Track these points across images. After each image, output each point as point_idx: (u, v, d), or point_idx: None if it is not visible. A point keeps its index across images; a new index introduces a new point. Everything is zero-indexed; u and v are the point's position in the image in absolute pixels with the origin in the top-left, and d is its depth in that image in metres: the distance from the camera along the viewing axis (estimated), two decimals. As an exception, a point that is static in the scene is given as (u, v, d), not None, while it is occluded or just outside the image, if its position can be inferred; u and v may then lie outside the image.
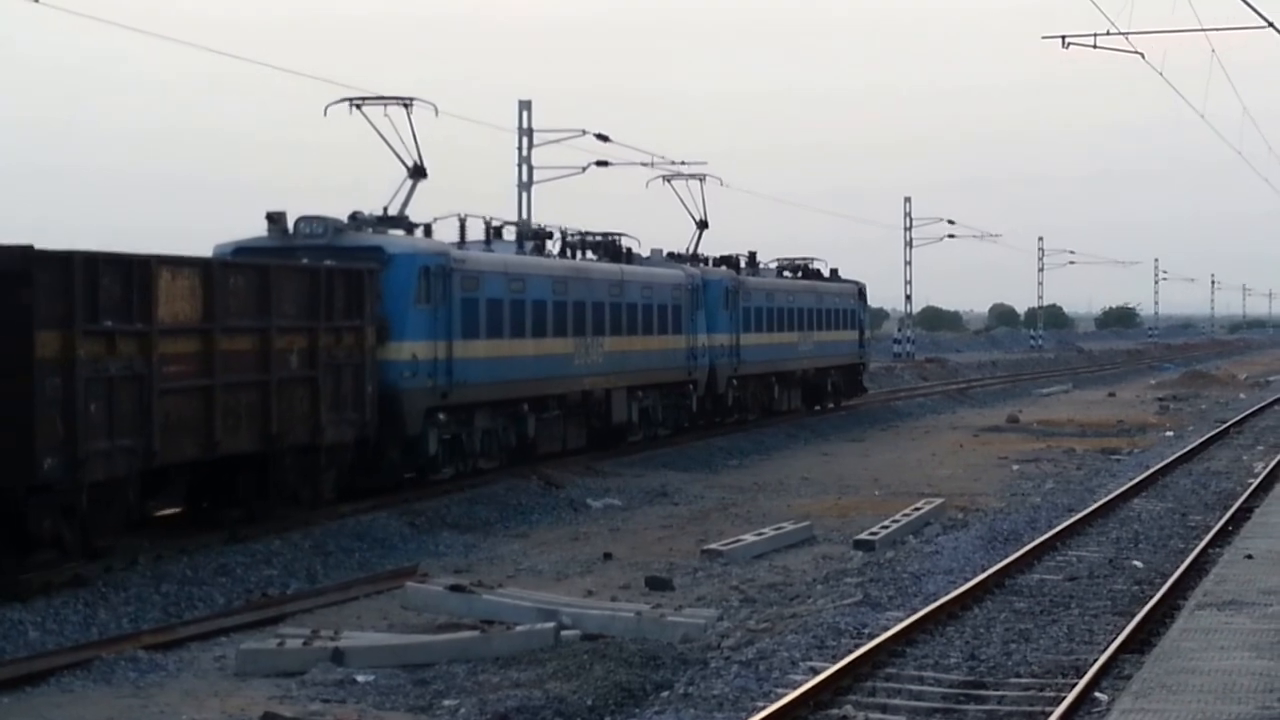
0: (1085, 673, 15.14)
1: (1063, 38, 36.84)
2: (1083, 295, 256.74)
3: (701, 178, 48.08)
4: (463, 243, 32.18)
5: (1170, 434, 48.09)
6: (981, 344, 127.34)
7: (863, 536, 24.98)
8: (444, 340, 29.33)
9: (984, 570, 21.00)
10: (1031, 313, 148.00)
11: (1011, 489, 33.27)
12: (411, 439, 28.44)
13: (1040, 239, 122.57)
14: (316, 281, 25.24)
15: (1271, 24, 30.68)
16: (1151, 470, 34.11)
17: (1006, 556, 22.20)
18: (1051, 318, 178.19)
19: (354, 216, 30.08)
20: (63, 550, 20.14)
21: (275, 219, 28.94)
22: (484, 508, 28.18)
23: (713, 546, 24.28)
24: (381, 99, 31.49)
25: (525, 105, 48.90)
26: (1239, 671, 13.01)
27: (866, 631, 17.41)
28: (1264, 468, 34.06)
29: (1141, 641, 16.38)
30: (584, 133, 48.07)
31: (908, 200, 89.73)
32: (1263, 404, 61.82)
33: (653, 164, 49.11)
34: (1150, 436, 47.67)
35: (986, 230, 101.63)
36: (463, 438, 30.57)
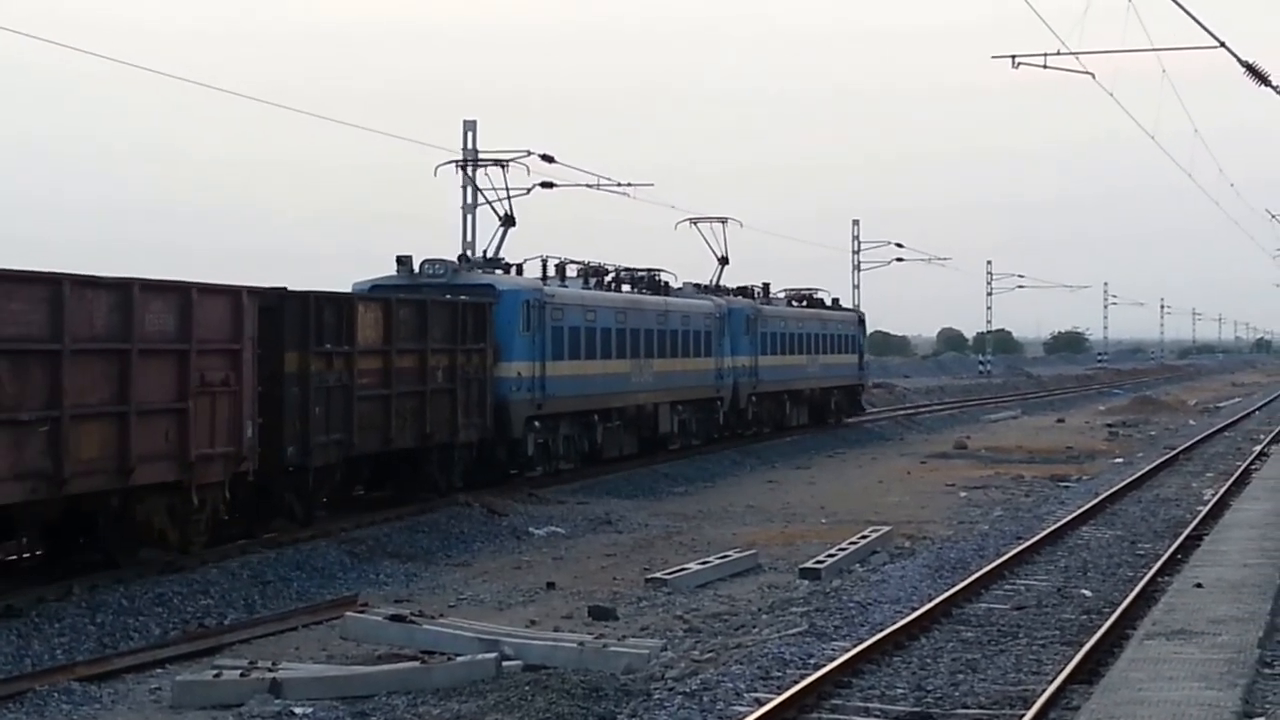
0: (1033, 704, 14.94)
1: (1013, 58, 36.74)
2: (1032, 319, 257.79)
3: (724, 220, 54.29)
4: (544, 279, 38.24)
5: (1119, 461, 48.13)
6: (929, 369, 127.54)
7: (808, 565, 24.77)
8: (540, 361, 35.58)
9: (931, 599, 20.81)
10: (980, 337, 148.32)
11: (959, 517, 33.15)
12: (515, 441, 34.67)
13: (989, 262, 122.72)
14: (456, 313, 31.72)
15: (1223, 44, 30.66)
16: (1100, 497, 34.04)
17: (954, 585, 22.02)
18: (1000, 342, 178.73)
19: (463, 258, 36.91)
20: (293, 519, 26.59)
21: (403, 261, 35.18)
22: (425, 536, 27.90)
23: (657, 575, 24.05)
24: (482, 162, 40.31)
25: (470, 125, 48.65)
26: (1188, 702, 12.84)
27: (812, 662, 17.19)
28: (1213, 495, 34.04)
29: (1090, 672, 16.22)
30: (529, 153, 47.85)
31: (855, 223, 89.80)
32: (1212, 430, 62.01)
33: (599, 185, 48.96)
34: (1099, 463, 47.70)
35: (935, 253, 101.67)
36: (549, 442, 36.73)
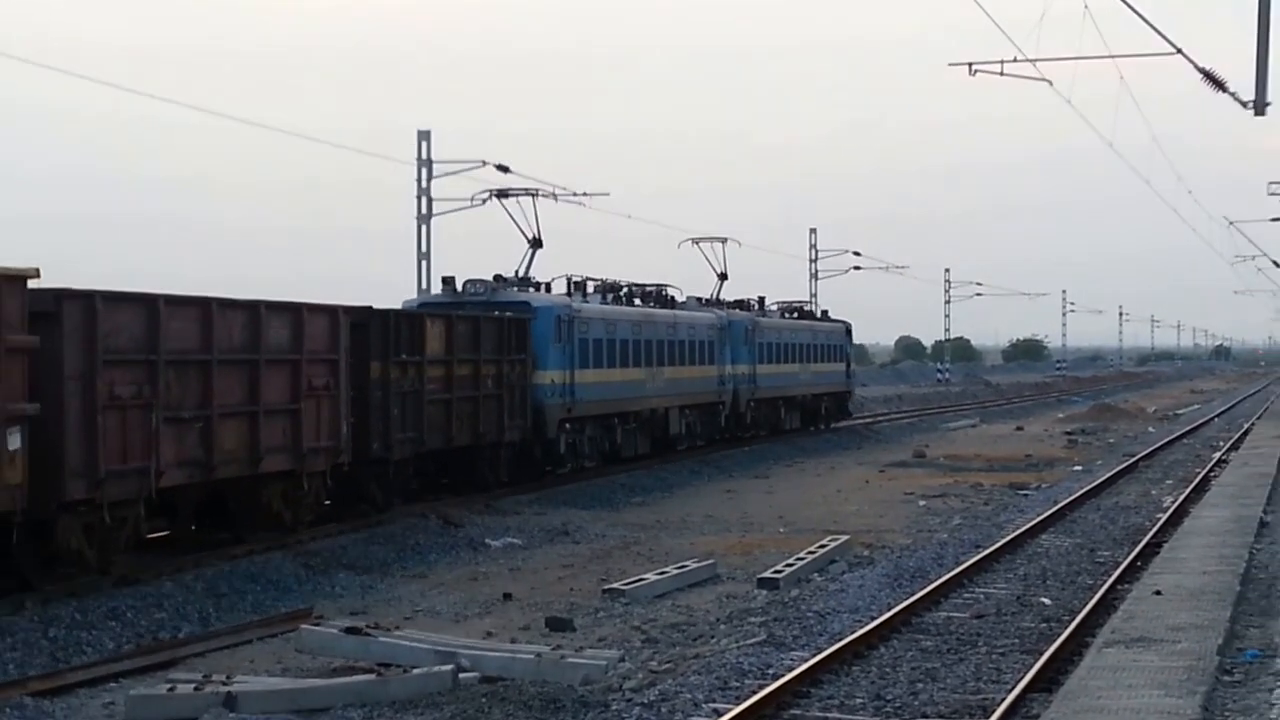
0: (993, 712, 14.89)
1: (969, 65, 36.75)
2: (990, 327, 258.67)
3: (723, 240, 58.36)
4: (569, 294, 42.38)
5: (1078, 468, 48.20)
6: (888, 377, 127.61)
7: (767, 575, 24.68)
8: (570, 369, 39.47)
9: (890, 608, 20.74)
10: (938, 345, 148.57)
11: (918, 525, 33.09)
12: (550, 442, 38.61)
13: (947, 270, 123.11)
14: (502, 328, 35.85)
15: (1180, 50, 30.70)
16: (1060, 505, 34.04)
17: (913, 594, 21.96)
18: (959, 350, 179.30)
19: (499, 278, 40.39)
20: (375, 506, 30.50)
21: (448, 281, 39.87)
22: (381, 548, 27.71)
23: (614, 586, 23.92)
24: (513, 192, 44.22)
25: (424, 135, 48.55)
26: (1147, 710, 12.78)
27: (770, 672, 17.10)
28: (1173, 502, 34.07)
29: (1049, 680, 16.17)
30: (484, 163, 47.85)
31: (813, 232, 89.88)
32: (1171, 437, 62.18)
33: (555, 195, 48.88)
34: (1058, 471, 47.75)
35: (893, 262, 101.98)
36: (577, 442, 40.65)
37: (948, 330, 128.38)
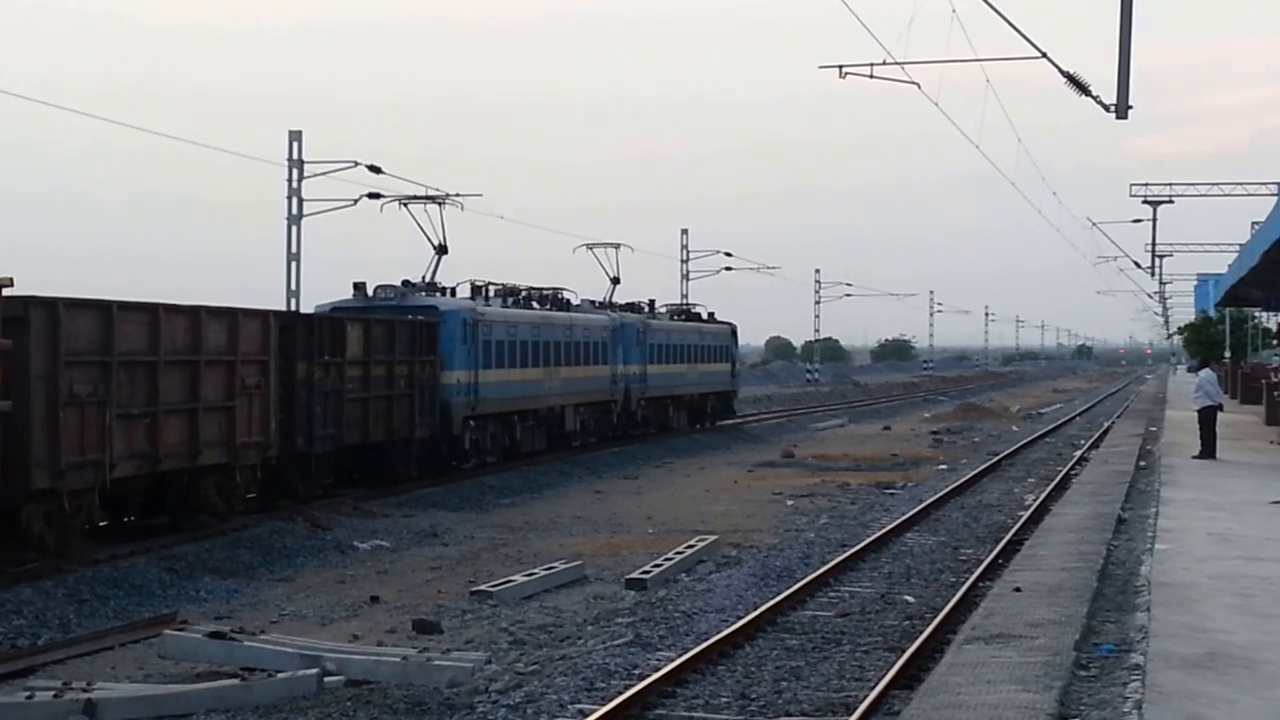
0: (855, 710, 15.02)
1: (839, 67, 36.94)
2: (859, 328, 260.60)
3: (616, 246, 61.57)
4: (473, 298, 44.43)
5: (944, 467, 48.66)
6: (758, 377, 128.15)
7: (635, 575, 24.73)
8: (474, 370, 41.59)
9: (756, 608, 20.87)
10: (808, 346, 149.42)
11: (785, 525, 33.26)
12: (455, 438, 40.79)
13: (817, 271, 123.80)
14: (414, 330, 38.03)
15: (1045, 54, 31.06)
16: (925, 504, 34.39)
17: (779, 593, 22.12)
18: (828, 351, 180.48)
19: (406, 283, 42.56)
20: (296, 499, 32.18)
21: (359, 286, 41.76)
22: (247, 551, 27.49)
23: (482, 588, 23.87)
24: (420, 199, 45.77)
25: (296, 136, 48.18)
26: (1005, 705, 12.93)
27: (637, 672, 17.15)
28: (1034, 500, 34.51)
29: (911, 677, 16.33)
30: (355, 164, 47.53)
31: (685, 232, 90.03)
32: (1034, 436, 62.96)
33: (427, 196, 48.66)
34: (924, 470, 48.18)
35: (764, 262, 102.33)
36: (480, 439, 42.81)
37: (817, 331, 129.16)
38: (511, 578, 24.77)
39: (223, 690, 16.74)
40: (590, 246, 61.56)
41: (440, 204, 45.86)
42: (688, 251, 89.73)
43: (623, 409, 56.17)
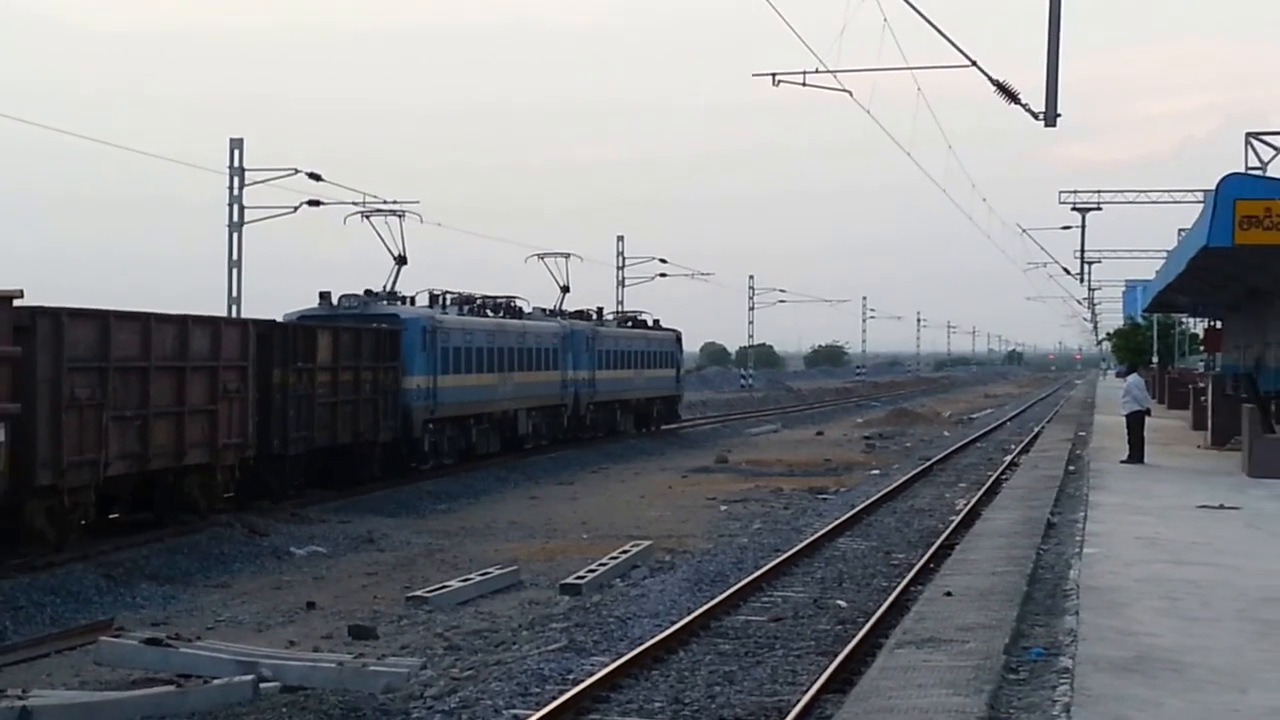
0: (787, 714, 15.19)
1: (773, 75, 37.21)
2: (793, 334, 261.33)
3: (566, 255, 64.02)
4: (431, 306, 46.57)
5: (876, 472, 48.93)
6: (693, 383, 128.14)
7: (569, 581, 24.85)
8: (433, 375, 43.50)
9: (690, 613, 21.02)
10: (742, 351, 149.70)
11: (719, 530, 33.43)
12: (415, 440, 42.79)
13: (751, 277, 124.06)
14: (379, 338, 40.08)
15: (974, 63, 31.34)
16: (857, 509, 34.63)
17: (713, 598, 22.27)
18: (762, 356, 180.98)
19: (368, 292, 44.46)
20: (273, 497, 34.32)
21: (324, 295, 43.43)
22: (184, 558, 27.47)
23: (418, 593, 23.94)
24: (381, 211, 47.50)
25: (237, 144, 48.11)
26: (936, 709, 13.09)
27: (571, 677, 17.28)
28: (965, 505, 34.79)
29: (843, 681, 16.50)
30: (296, 171, 47.54)
31: (620, 239, 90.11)
32: (965, 441, 63.39)
33: (364, 202, 48.75)
34: (857, 475, 48.44)
35: (698, 269, 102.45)
36: (439, 441, 44.83)
37: (751, 336, 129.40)
38: (447, 583, 24.84)
39: (159, 697, 16.73)
40: (541, 256, 63.57)
41: (400, 216, 47.49)
42: (624, 258, 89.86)
43: (573, 413, 58.30)
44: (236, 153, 48.03)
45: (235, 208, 47.96)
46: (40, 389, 25.41)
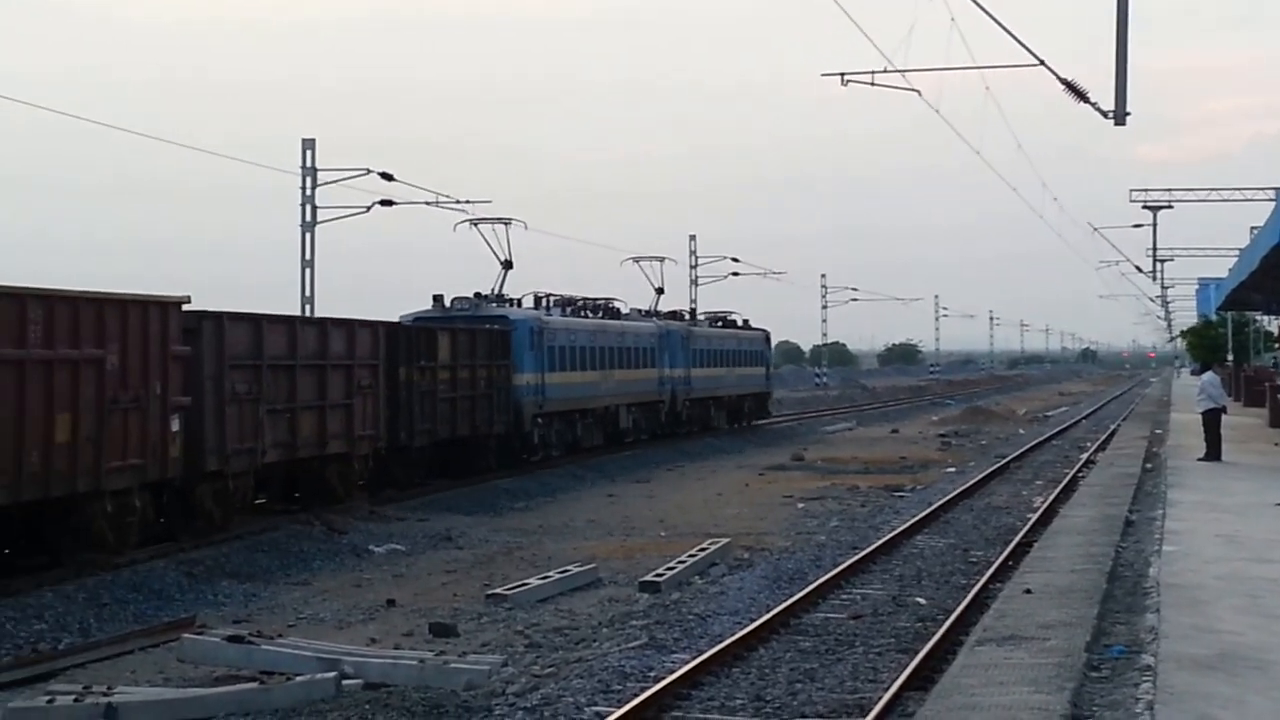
0: (869, 711, 15.18)
1: (841, 75, 37.21)
2: (866, 332, 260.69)
3: (661, 259, 67.32)
4: (536, 308, 49.62)
5: (952, 470, 48.80)
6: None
7: (648, 578, 24.87)
8: (541, 372, 46.46)
9: (769, 610, 21.03)
10: (816, 350, 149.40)
11: (797, 527, 33.40)
12: (526, 434, 45.61)
13: (823, 276, 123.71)
14: (492, 338, 43.46)
15: (1043, 61, 31.22)
16: (934, 506, 34.54)
17: (792, 596, 22.27)
18: (836, 355, 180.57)
19: (478, 295, 47.86)
20: (398, 486, 37.36)
21: (437, 299, 46.98)
22: (265, 555, 27.69)
23: (497, 591, 24.02)
24: (489, 220, 50.07)
25: (309, 144, 48.34)
26: (1017, 706, 13.07)
27: (652, 674, 17.30)
28: (1042, 502, 34.64)
29: (924, 678, 16.47)
30: (369, 171, 47.68)
31: (692, 238, 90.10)
32: (1041, 439, 63.11)
33: (438, 202, 49.01)
34: (933, 473, 48.31)
35: (770, 268, 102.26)
36: (547, 435, 47.61)
37: (825, 335, 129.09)
38: (526, 581, 24.92)
39: (241, 694, 16.88)
40: (636, 259, 66.83)
41: (507, 224, 50.12)
42: (696, 257, 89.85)
43: (670, 408, 61.13)
44: (309, 153, 48.26)
45: (308, 208, 48.19)
46: (206, 385, 28.33)
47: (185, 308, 27.22)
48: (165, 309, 26.58)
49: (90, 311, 24.64)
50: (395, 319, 42.27)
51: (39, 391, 23.35)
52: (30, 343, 23.22)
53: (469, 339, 41.67)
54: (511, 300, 48.84)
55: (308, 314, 44.91)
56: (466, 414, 41.11)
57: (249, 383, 29.62)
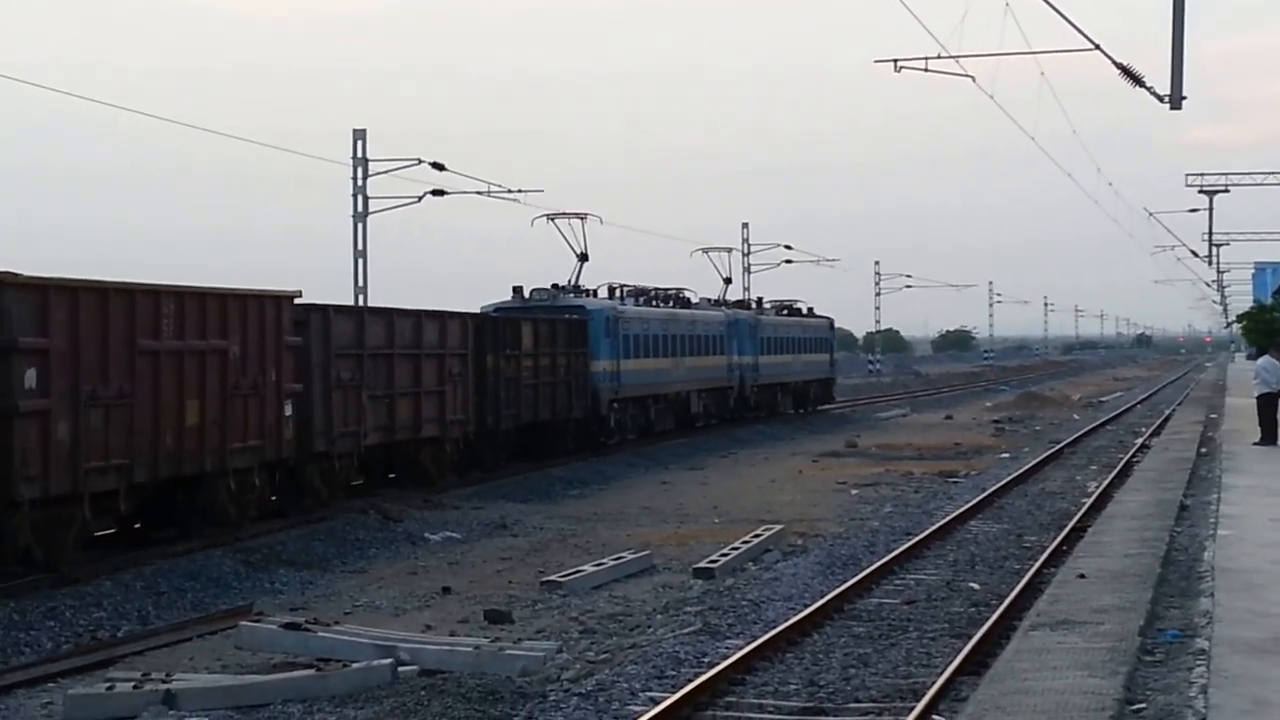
0: (923, 696, 15.19)
1: (894, 61, 37.17)
2: (919, 318, 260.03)
3: (729, 250, 71.42)
4: (610, 298, 51.05)
5: (1006, 455, 48.68)
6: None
7: (702, 565, 24.94)
8: (617, 359, 48.26)
9: (823, 596, 21.05)
10: (869, 337, 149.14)
11: (850, 514, 33.41)
12: (602, 418, 47.53)
13: (877, 263, 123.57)
14: (570, 327, 45.44)
15: (1098, 46, 31.11)
16: (988, 492, 34.49)
17: (845, 581, 22.28)
18: (889, 341, 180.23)
19: (555, 286, 49.45)
20: (484, 468, 39.41)
21: (517, 290, 48.45)
22: (321, 543, 27.83)
23: (552, 578, 24.13)
24: (566, 215, 51.77)
25: (360, 134, 48.54)
26: (1071, 691, 13.08)
27: (706, 660, 17.35)
28: (1097, 487, 34.53)
29: (978, 663, 16.47)
30: (420, 161, 47.86)
31: (745, 226, 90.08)
32: (1096, 424, 62.85)
33: (489, 192, 49.20)
34: (987, 458, 48.22)
35: (823, 255, 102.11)
36: (623, 419, 49.54)
37: (878, 322, 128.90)
38: (581, 568, 25.02)
39: (299, 680, 17.01)
40: (705, 250, 69.95)
41: (583, 219, 51.98)
42: (749, 245, 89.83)
43: (738, 394, 62.83)
44: (359, 143, 48.44)
45: (359, 198, 48.39)
46: (314, 372, 30.25)
47: (295, 301, 28.95)
48: (279, 303, 28.34)
49: (215, 306, 26.56)
50: (463, 310, 42.45)
51: (172, 379, 25.23)
52: (164, 335, 25.01)
53: (549, 328, 43.55)
54: (588, 291, 50.52)
55: (359, 304, 45.09)
56: (547, 399, 43.06)
57: (352, 371, 31.61)
